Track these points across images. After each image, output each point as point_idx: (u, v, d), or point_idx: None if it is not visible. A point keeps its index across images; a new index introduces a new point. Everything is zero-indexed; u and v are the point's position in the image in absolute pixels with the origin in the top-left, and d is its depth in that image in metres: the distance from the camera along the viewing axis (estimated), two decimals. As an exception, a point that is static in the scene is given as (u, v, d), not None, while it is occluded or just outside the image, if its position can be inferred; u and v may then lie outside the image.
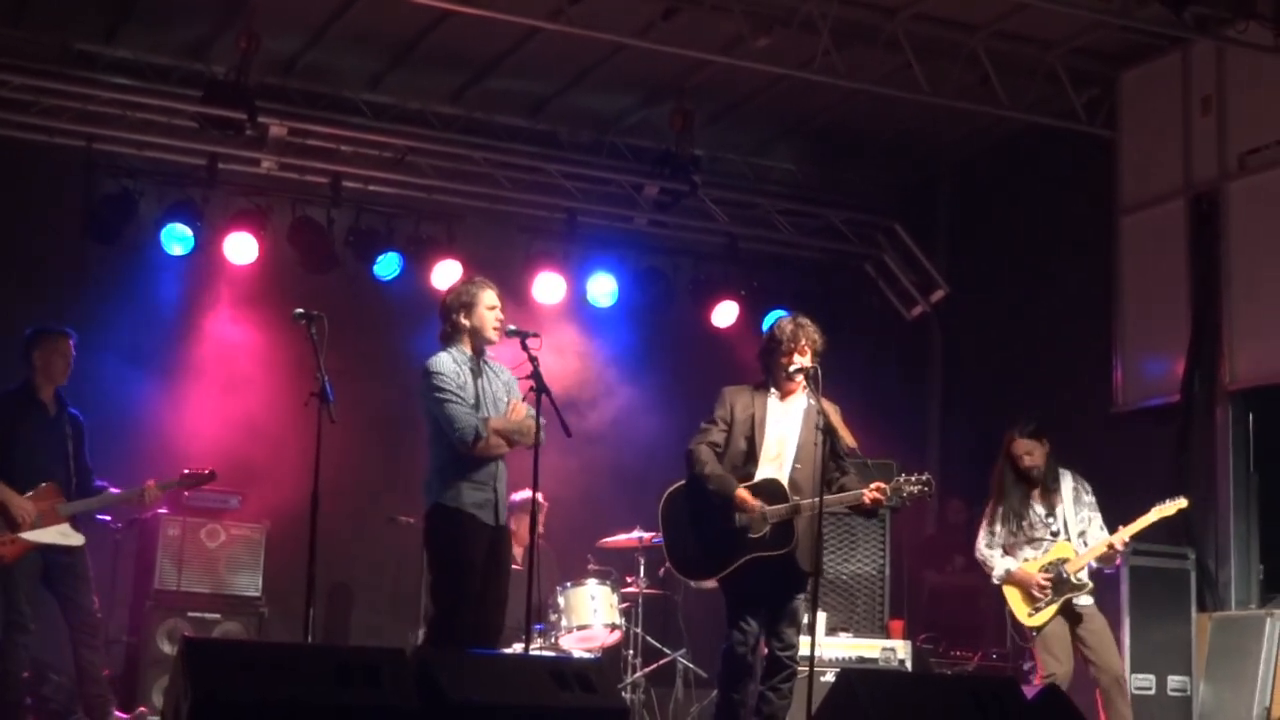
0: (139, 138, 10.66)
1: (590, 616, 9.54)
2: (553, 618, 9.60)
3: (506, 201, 11.71)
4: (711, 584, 7.44)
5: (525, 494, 7.29)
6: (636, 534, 9.84)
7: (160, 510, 9.45)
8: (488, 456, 6.95)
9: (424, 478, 7.06)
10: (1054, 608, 8.16)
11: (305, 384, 6.99)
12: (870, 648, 9.49)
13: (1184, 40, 10.18)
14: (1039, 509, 8.34)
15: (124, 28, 10.35)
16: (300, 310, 7.01)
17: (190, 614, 9.69)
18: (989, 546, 8.36)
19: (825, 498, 7.06)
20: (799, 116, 11.69)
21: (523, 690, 5.50)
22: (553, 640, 9.50)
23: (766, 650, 7.33)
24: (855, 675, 6.48)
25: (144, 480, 8.48)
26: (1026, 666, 9.32)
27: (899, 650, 9.49)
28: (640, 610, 9.99)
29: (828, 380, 7.17)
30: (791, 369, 7.24)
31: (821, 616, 9.15)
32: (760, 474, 7.25)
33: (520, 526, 7.85)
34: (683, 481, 7.38)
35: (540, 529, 8.17)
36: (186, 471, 8.63)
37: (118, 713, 8.50)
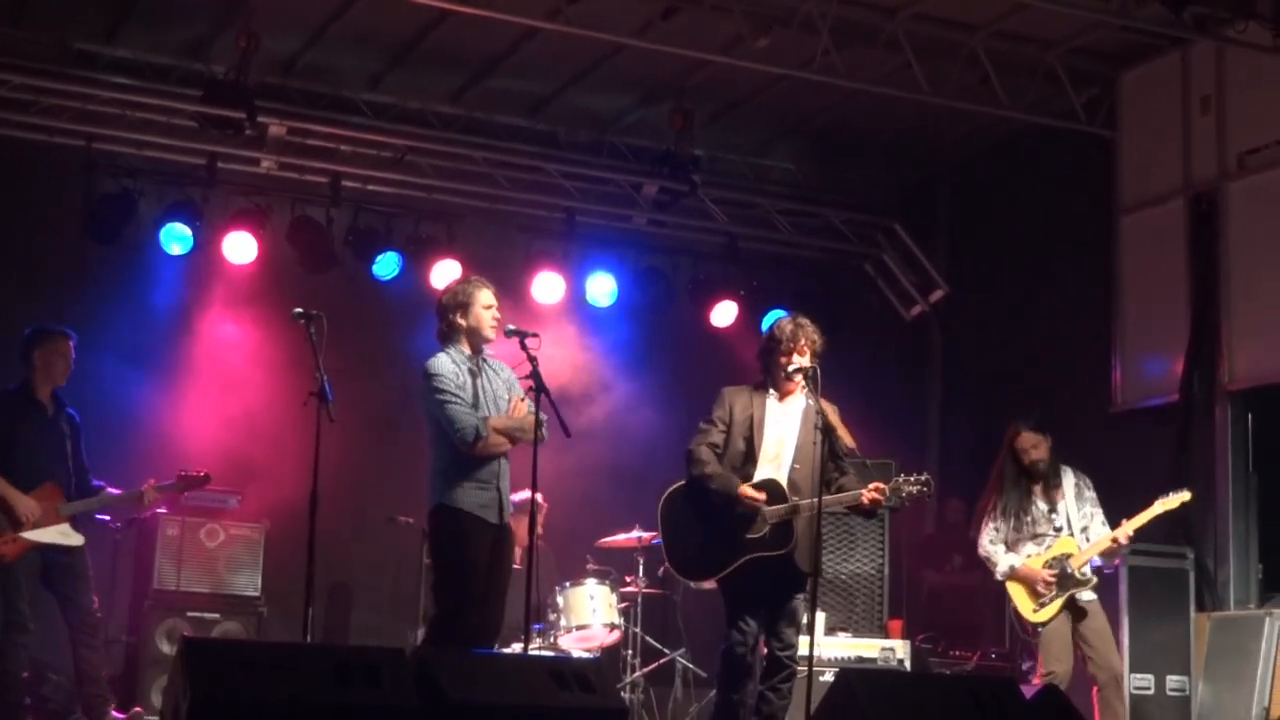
0: (139, 137, 10.66)
1: (589, 616, 9.54)
2: (552, 617, 9.60)
3: (506, 201, 11.71)
4: (711, 584, 7.44)
5: (525, 494, 7.29)
6: (635, 534, 9.85)
7: (159, 510, 9.45)
8: (489, 455, 6.96)
9: (426, 478, 7.06)
10: (1059, 603, 8.16)
11: (304, 383, 6.99)
12: (869, 647, 9.49)
13: (1183, 40, 10.18)
14: (1041, 504, 8.34)
15: (124, 27, 10.35)
16: (299, 310, 7.01)
17: (189, 614, 9.69)
18: (993, 543, 8.35)
19: (824, 498, 7.06)
20: (799, 116, 11.69)
21: (522, 690, 5.50)
22: (552, 640, 9.50)
23: (766, 650, 7.33)
24: (854, 675, 6.48)
25: (144, 480, 8.50)
26: (1025, 666, 9.34)
27: (898, 650, 9.48)
28: (639, 610, 9.99)
29: (827, 380, 7.17)
30: (790, 369, 7.24)
31: (820, 616, 9.14)
32: (759, 474, 7.25)
33: (519, 527, 7.84)
34: (682, 482, 7.38)
35: (540, 529, 8.18)
36: (182, 473, 8.63)
37: (115, 713, 8.50)
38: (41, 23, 10.18)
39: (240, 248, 10.76)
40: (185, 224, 10.60)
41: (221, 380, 10.76)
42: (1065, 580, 8.16)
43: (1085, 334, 10.98)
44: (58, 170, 10.51)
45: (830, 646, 9.33)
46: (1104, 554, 8.32)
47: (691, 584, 7.91)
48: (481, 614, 6.91)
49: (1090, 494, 8.41)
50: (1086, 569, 8.18)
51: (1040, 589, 8.18)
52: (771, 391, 7.37)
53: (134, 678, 9.53)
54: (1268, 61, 9.56)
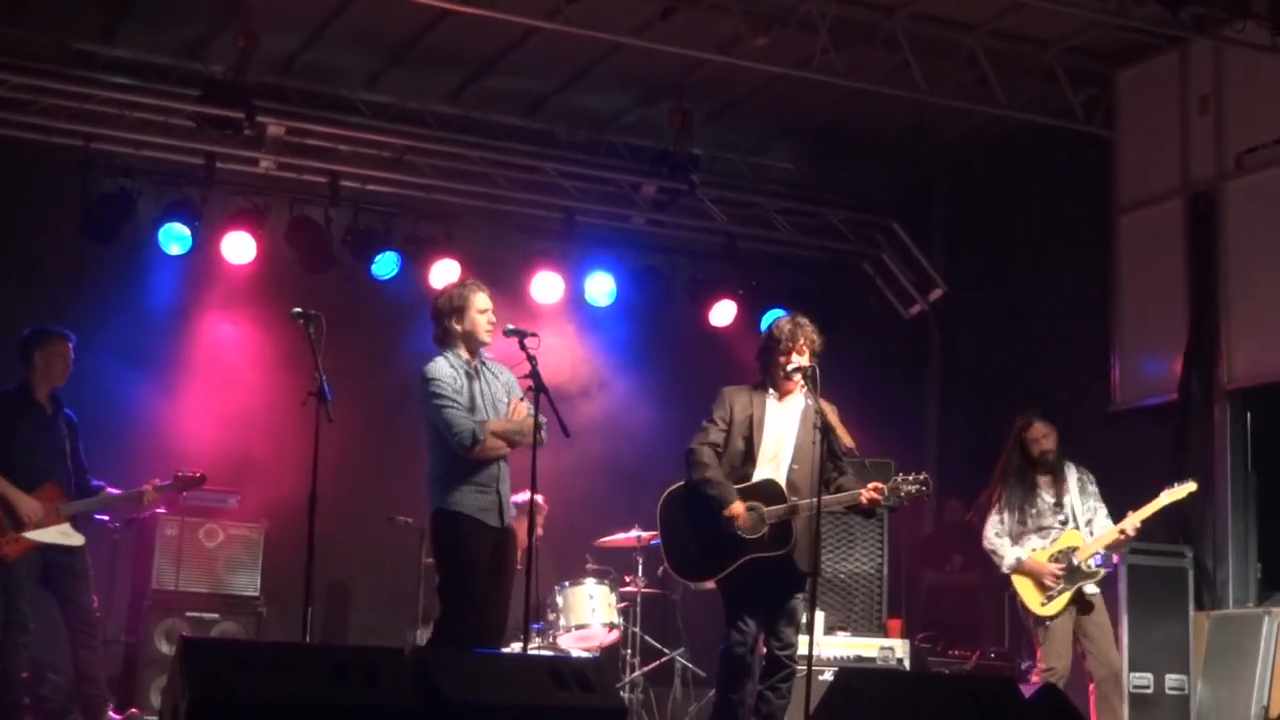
0: (137, 137, 10.65)
1: (588, 616, 9.54)
2: (551, 617, 9.61)
3: (504, 201, 11.70)
4: (710, 584, 7.44)
5: (525, 495, 7.29)
6: (635, 533, 9.85)
7: (158, 510, 9.45)
8: (487, 459, 6.95)
9: (425, 482, 7.06)
10: (1067, 596, 8.17)
11: (303, 383, 6.99)
12: (868, 647, 9.49)
13: (1181, 39, 10.18)
14: (1047, 497, 8.34)
15: (122, 27, 10.34)
16: (298, 309, 7.01)
17: (188, 614, 9.69)
18: (998, 535, 8.33)
19: (823, 498, 7.06)
20: (797, 115, 11.69)
21: (521, 690, 5.50)
22: (551, 640, 9.50)
23: (765, 650, 7.33)
24: (853, 674, 6.50)
25: (143, 480, 8.49)
26: (1024, 665, 9.33)
27: (897, 649, 9.49)
28: (638, 609, 9.99)
29: (825, 379, 7.17)
30: (789, 368, 7.24)
31: (820, 616, 9.15)
32: (758, 474, 7.25)
33: (519, 527, 7.83)
34: (681, 482, 7.38)
35: (540, 530, 8.18)
36: (179, 474, 8.62)
37: (112, 714, 8.49)
38: (40, 22, 10.18)
39: (239, 247, 10.76)
40: (184, 224, 10.60)
41: (220, 380, 10.76)
42: (1073, 573, 8.16)
43: (1084, 333, 10.98)
44: (56, 170, 10.50)
45: (829, 646, 9.34)
46: (1110, 546, 8.32)
47: (691, 584, 7.90)
48: (484, 616, 6.91)
49: (1093, 488, 8.43)
50: (1092, 562, 8.18)
51: (1048, 582, 8.17)
52: (771, 391, 7.37)
53: (133, 678, 9.52)
54: (1266, 61, 9.56)
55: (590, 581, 9.68)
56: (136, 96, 10.54)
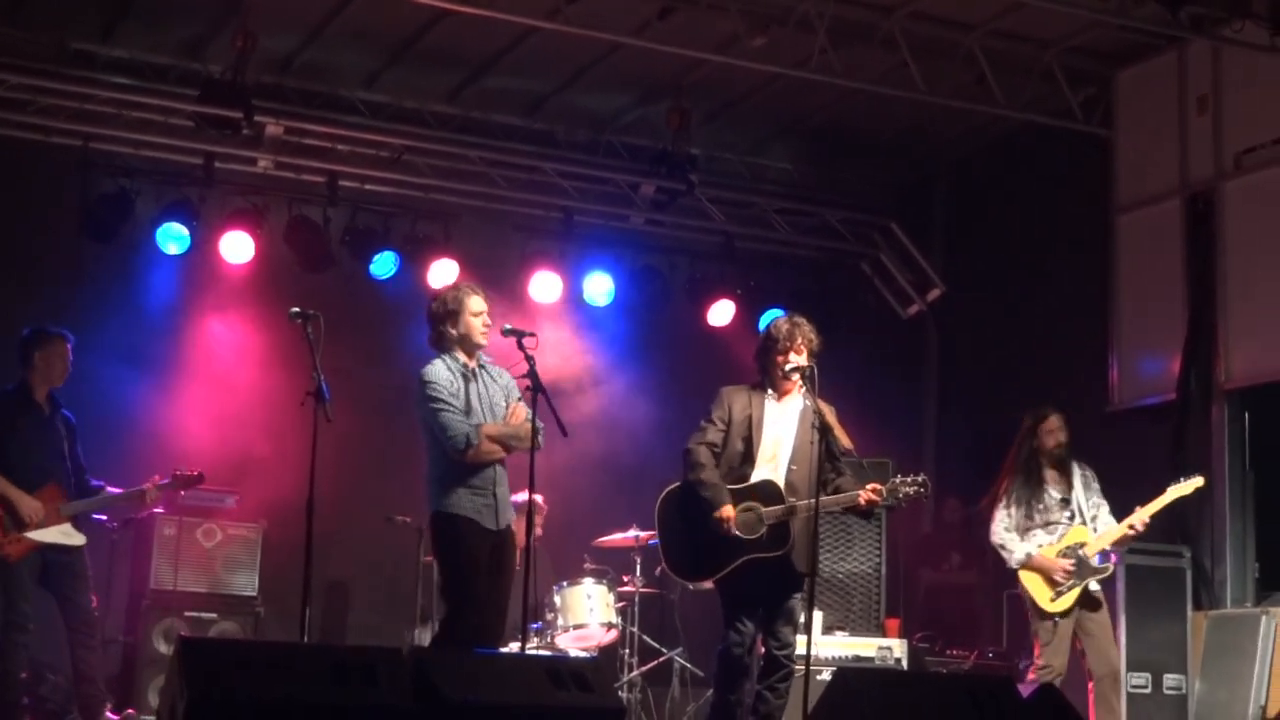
0: (135, 137, 10.65)
1: (587, 616, 9.54)
2: (549, 617, 9.61)
3: (503, 200, 11.71)
4: (708, 584, 7.45)
5: (524, 496, 7.29)
6: (633, 533, 9.85)
7: (156, 510, 9.44)
8: (483, 462, 6.95)
9: (424, 484, 7.07)
10: (1076, 592, 8.17)
11: (301, 383, 6.99)
12: (866, 646, 9.50)
13: (1180, 39, 10.19)
14: (1054, 492, 8.34)
15: (121, 27, 10.34)
16: (296, 309, 7.01)
17: (186, 613, 9.68)
18: (1007, 530, 8.32)
19: (821, 499, 7.06)
20: (795, 115, 11.69)
21: (519, 689, 5.50)
22: (549, 639, 9.51)
23: (763, 649, 7.33)
24: (852, 674, 6.50)
25: (142, 479, 8.49)
26: (1022, 665, 9.33)
27: (895, 649, 9.49)
28: (637, 609, 9.99)
29: (824, 379, 7.17)
30: (788, 368, 7.24)
31: (818, 615, 9.15)
32: (756, 475, 7.25)
33: (517, 527, 7.84)
34: (679, 482, 7.38)
35: (539, 530, 8.18)
36: (177, 473, 8.61)
37: (110, 714, 8.49)
38: (38, 22, 10.17)
39: (237, 247, 10.76)
40: (182, 224, 10.60)
41: (219, 380, 10.76)
42: (1083, 569, 8.16)
43: (1082, 333, 10.99)
44: (55, 170, 10.50)
45: (827, 645, 9.34)
46: (1117, 542, 8.32)
47: (688, 584, 7.91)
48: (483, 618, 6.92)
49: (1096, 485, 8.44)
50: (1098, 558, 8.19)
51: (1059, 578, 8.16)
52: (769, 391, 7.38)
53: (131, 678, 9.52)
54: (1264, 61, 9.57)
55: (588, 581, 9.68)
56: (135, 96, 10.54)
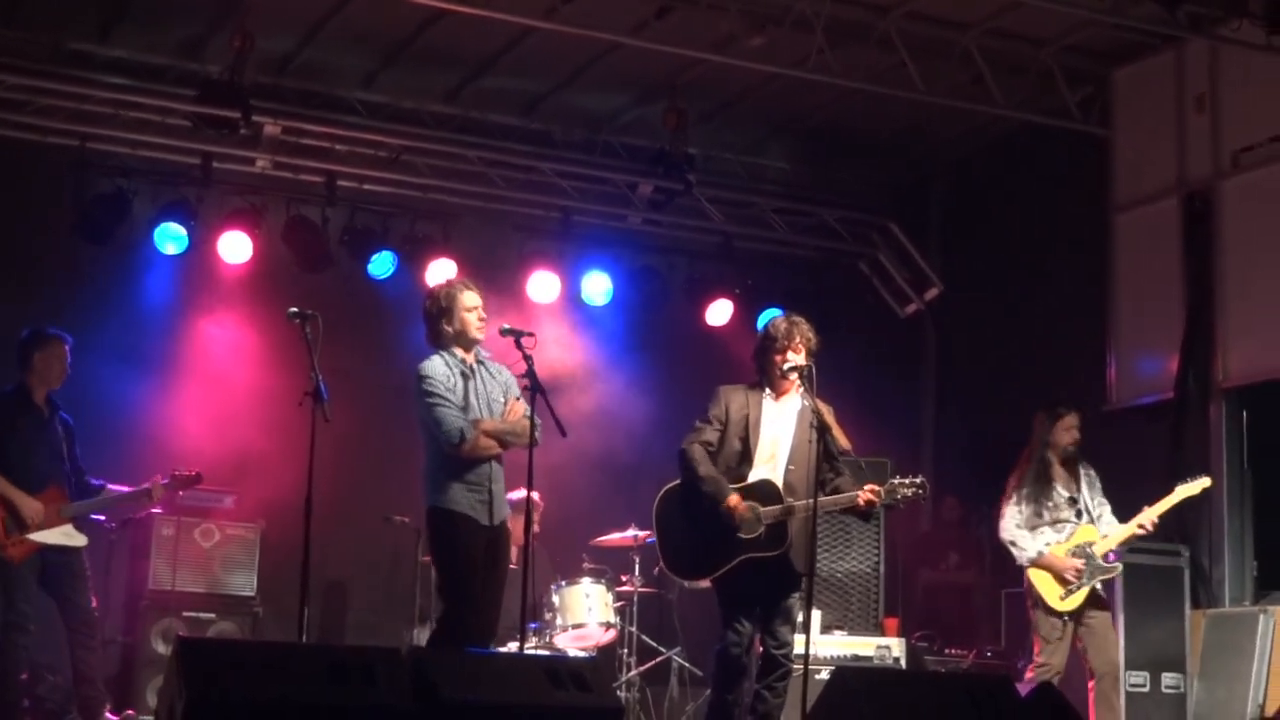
0: (133, 137, 10.65)
1: (585, 615, 9.54)
2: (548, 616, 9.60)
3: (501, 200, 11.71)
4: (706, 583, 7.45)
5: (521, 493, 7.29)
6: (631, 533, 9.84)
7: (154, 510, 9.44)
8: (479, 458, 6.96)
9: (421, 480, 7.07)
10: (1084, 592, 8.17)
11: (300, 383, 6.99)
12: (865, 645, 9.50)
13: (1177, 38, 10.19)
14: (1061, 490, 8.34)
15: (119, 27, 10.34)
16: (295, 309, 7.01)
17: (185, 614, 9.69)
18: (1019, 527, 8.30)
19: (820, 499, 7.05)
20: (793, 115, 11.69)
21: (518, 689, 5.50)
22: (548, 639, 9.50)
23: (761, 649, 7.33)
24: (850, 673, 6.50)
25: (141, 480, 8.48)
26: (1021, 664, 9.34)
27: (894, 648, 9.49)
28: (635, 609, 9.98)
29: (822, 378, 7.17)
30: (786, 367, 7.24)
31: (816, 614, 9.15)
32: (754, 475, 7.25)
33: (515, 526, 7.85)
34: (677, 481, 7.38)
35: (536, 528, 8.17)
36: (175, 473, 8.61)
37: (109, 715, 8.49)
38: (35, 22, 10.17)
39: (235, 247, 10.75)
40: (180, 224, 10.60)
41: (217, 380, 10.75)
42: (1092, 569, 8.17)
43: (1080, 332, 10.99)
44: (52, 170, 10.49)
45: (826, 645, 9.34)
46: (1124, 542, 8.33)
47: (686, 583, 7.91)
48: (480, 615, 6.92)
49: (1099, 485, 8.45)
50: (1103, 559, 8.19)
51: (1070, 577, 8.16)
52: (767, 391, 7.37)
53: (129, 678, 9.52)
54: (1261, 60, 9.57)
55: (587, 581, 9.67)
56: (132, 96, 10.53)
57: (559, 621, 9.54)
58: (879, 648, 9.47)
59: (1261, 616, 9.18)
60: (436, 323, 7.12)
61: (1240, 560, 9.81)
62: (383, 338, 10.60)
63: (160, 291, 10.85)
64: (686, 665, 10.18)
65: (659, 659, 10.14)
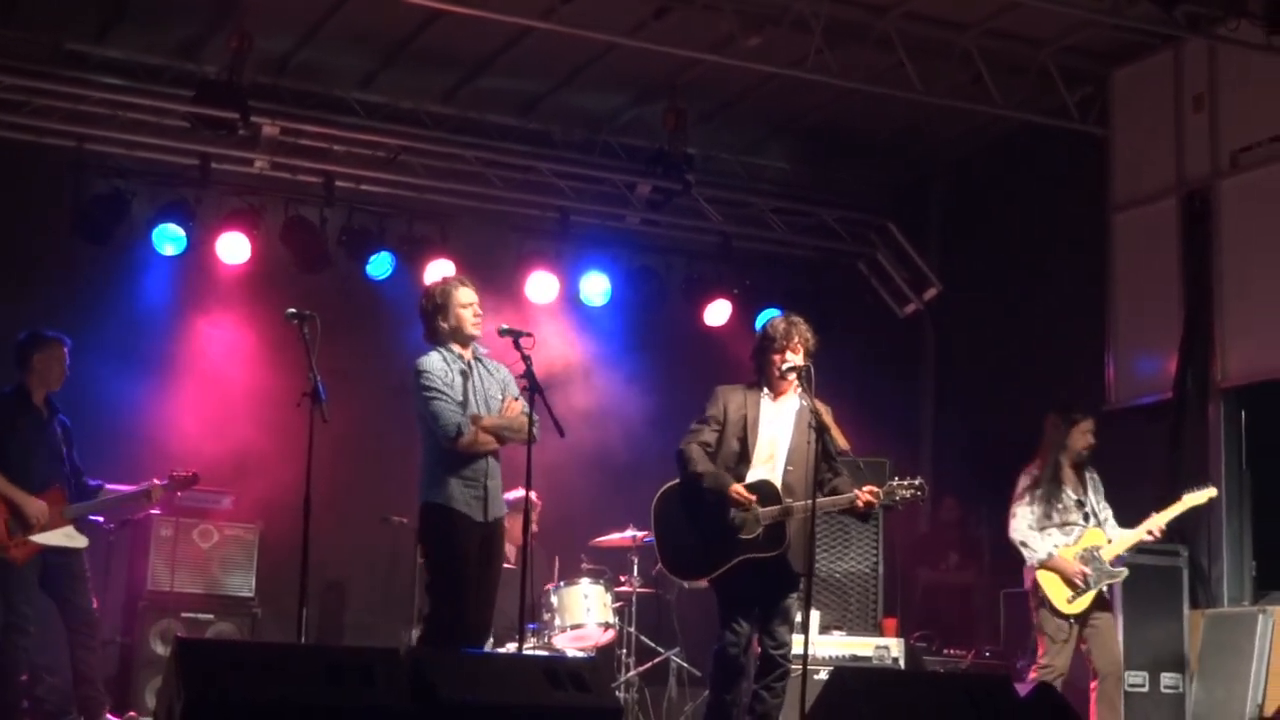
0: (131, 138, 10.64)
1: (584, 615, 9.53)
2: (546, 617, 9.60)
3: (499, 201, 11.70)
4: (704, 584, 7.44)
5: (519, 493, 7.29)
6: (630, 533, 9.84)
7: (153, 511, 9.43)
8: (476, 453, 6.95)
9: (417, 476, 7.07)
10: (1091, 595, 8.18)
11: (298, 384, 6.99)
12: (864, 646, 9.49)
13: (1176, 38, 10.19)
14: (1071, 494, 8.35)
15: (117, 27, 10.33)
16: (293, 310, 7.01)
17: (183, 614, 9.68)
18: (1031, 528, 8.30)
19: (818, 500, 7.04)
20: (791, 115, 11.69)
21: (517, 689, 5.50)
22: (546, 639, 9.50)
23: (759, 649, 7.33)
24: (849, 673, 6.50)
25: (140, 481, 8.48)
26: (1020, 664, 9.34)
27: (893, 648, 9.49)
28: (634, 609, 9.97)
29: (820, 378, 7.17)
30: (784, 368, 7.24)
31: (815, 615, 9.14)
32: (752, 475, 7.24)
33: (514, 525, 7.86)
34: (675, 481, 7.37)
35: (534, 527, 8.17)
36: (172, 474, 8.60)
37: (110, 716, 8.48)
38: (33, 22, 10.16)
39: (233, 248, 10.75)
40: (178, 224, 10.60)
41: (215, 380, 10.75)
42: (1100, 573, 8.18)
43: (1079, 332, 10.99)
44: (50, 171, 10.49)
45: (825, 645, 9.33)
46: (1131, 548, 8.34)
47: (685, 584, 7.90)
48: (473, 613, 6.91)
49: (1102, 489, 8.46)
50: (1111, 564, 8.20)
51: (1078, 581, 8.17)
52: (765, 391, 7.37)
53: (128, 679, 9.51)
54: (1260, 59, 9.58)
55: (585, 581, 9.66)
56: (130, 97, 10.53)
57: (558, 622, 9.53)
58: (878, 648, 9.47)
59: (1260, 616, 9.18)
60: (432, 320, 7.13)
61: (1239, 560, 9.81)
62: (381, 338, 10.59)
63: (158, 292, 10.84)
64: (685, 666, 10.17)
65: (657, 659, 10.14)
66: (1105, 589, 8.27)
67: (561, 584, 9.66)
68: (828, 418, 7.21)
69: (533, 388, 6.89)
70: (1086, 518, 8.31)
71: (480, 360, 7.18)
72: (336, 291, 10.67)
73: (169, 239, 10.60)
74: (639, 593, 9.96)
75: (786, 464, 7.25)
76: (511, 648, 8.02)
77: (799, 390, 7.24)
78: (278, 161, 11.04)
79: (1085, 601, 8.18)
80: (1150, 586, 9.29)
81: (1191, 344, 10.06)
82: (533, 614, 9.40)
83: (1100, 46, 10.59)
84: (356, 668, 5.31)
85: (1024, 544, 8.31)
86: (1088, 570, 8.16)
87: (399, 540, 10.00)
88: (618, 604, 9.77)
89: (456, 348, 7.11)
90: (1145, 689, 9.16)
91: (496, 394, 7.11)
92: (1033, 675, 8.14)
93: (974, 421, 11.89)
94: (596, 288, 11.86)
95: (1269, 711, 8.91)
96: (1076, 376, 10.87)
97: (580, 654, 9.19)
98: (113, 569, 9.52)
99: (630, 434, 11.36)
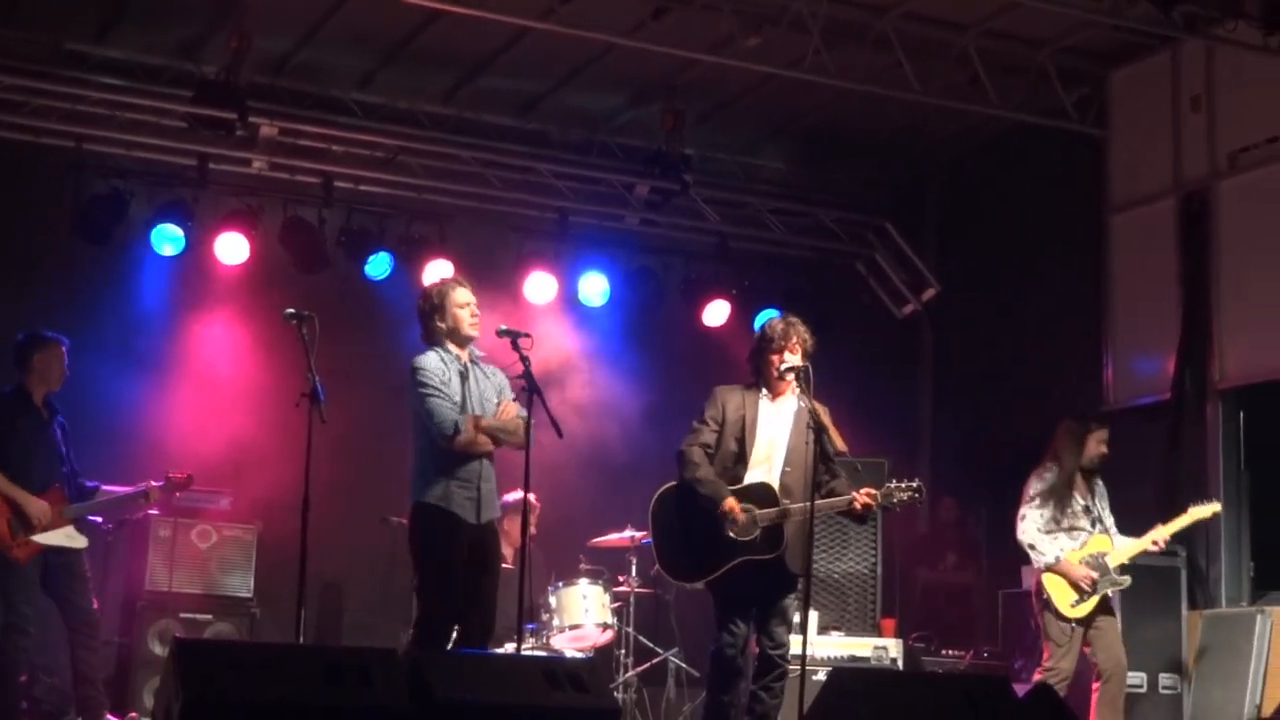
0: (129, 138, 10.63)
1: (582, 616, 9.54)
2: (544, 617, 9.60)
3: (497, 201, 11.70)
4: (702, 585, 7.44)
5: (517, 494, 7.29)
6: (628, 533, 9.84)
7: (151, 511, 9.43)
8: (471, 454, 6.95)
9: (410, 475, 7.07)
10: (1096, 600, 8.19)
11: (296, 384, 6.99)
12: (862, 646, 9.50)
13: (1173, 39, 10.20)
14: (1080, 499, 8.36)
15: (117, 27, 10.33)
16: (291, 310, 7.01)
17: (182, 615, 9.67)
18: (1040, 531, 8.30)
19: (816, 502, 7.04)
20: (789, 115, 11.70)
21: (515, 690, 5.50)
22: (545, 640, 9.50)
23: (757, 649, 7.33)
24: (847, 674, 6.50)
25: (138, 481, 8.47)
26: (1018, 664, 9.34)
27: (891, 649, 9.49)
28: (632, 610, 9.98)
29: (818, 379, 7.17)
30: (782, 368, 7.24)
31: (813, 615, 9.14)
32: (750, 476, 7.24)
33: (513, 527, 7.87)
34: (673, 482, 7.37)
35: (533, 529, 8.17)
36: (168, 475, 8.59)
37: (109, 716, 8.48)
38: (33, 22, 10.16)
39: (232, 248, 10.75)
40: (176, 225, 10.59)
41: (213, 381, 10.75)
42: (1106, 580, 8.19)
43: (1076, 332, 11.00)
44: (48, 171, 10.48)
45: (823, 645, 9.34)
46: (1134, 556, 8.34)
47: (683, 585, 7.90)
48: (471, 617, 6.90)
49: (1107, 496, 8.46)
50: (1116, 570, 8.21)
51: (1085, 586, 8.18)
52: (764, 392, 7.37)
53: (126, 679, 9.50)
54: (1257, 60, 9.58)
55: (584, 582, 9.66)
56: (129, 97, 10.53)
57: (556, 622, 9.53)
58: (876, 648, 9.47)
59: (1258, 617, 9.18)
60: (430, 320, 7.13)
61: (1237, 561, 9.82)
62: (379, 339, 10.59)
63: (157, 292, 10.84)
64: (683, 666, 10.18)
65: (656, 660, 10.14)
66: (1109, 594, 8.28)
67: (560, 584, 9.66)
68: (826, 418, 7.21)
69: (531, 388, 6.88)
70: (1093, 524, 8.33)
71: (477, 363, 7.17)
72: (335, 292, 10.67)
73: (168, 239, 10.60)
74: (637, 593, 9.96)
75: (784, 465, 7.25)
76: (510, 648, 8.02)
77: (797, 391, 7.25)
78: (276, 162, 11.04)
79: (1089, 606, 8.18)
80: (1148, 587, 9.28)
81: (1190, 345, 10.07)
82: (531, 614, 9.41)
83: (1098, 47, 10.60)
84: (354, 668, 5.31)
85: (1032, 546, 8.31)
86: (1095, 575, 8.17)
87: (397, 541, 9.91)
88: (616, 604, 9.78)
89: (454, 349, 7.10)
90: (1143, 690, 9.16)
91: (492, 397, 7.10)
92: (1037, 677, 8.15)
93: (972, 422, 11.89)
94: (595, 288, 11.87)
95: (1267, 712, 8.91)
96: (1074, 377, 10.89)
97: (578, 654, 9.19)
98: (111, 569, 9.52)
99: (628, 434, 11.37)
